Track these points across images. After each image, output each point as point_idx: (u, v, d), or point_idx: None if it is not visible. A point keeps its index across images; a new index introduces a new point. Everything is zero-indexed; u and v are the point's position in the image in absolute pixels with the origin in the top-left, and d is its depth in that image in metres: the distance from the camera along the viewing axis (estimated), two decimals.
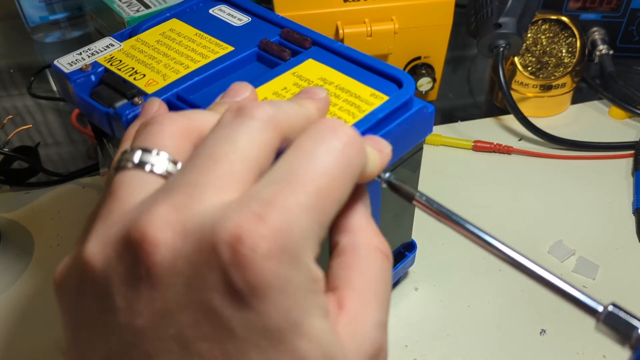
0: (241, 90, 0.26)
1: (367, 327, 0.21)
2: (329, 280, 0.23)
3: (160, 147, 0.22)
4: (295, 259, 0.19)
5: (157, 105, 0.28)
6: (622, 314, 0.22)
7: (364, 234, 0.24)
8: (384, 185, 0.28)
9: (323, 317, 0.20)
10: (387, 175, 0.28)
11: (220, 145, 0.21)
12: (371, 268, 0.23)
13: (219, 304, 0.18)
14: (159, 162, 0.21)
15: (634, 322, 0.21)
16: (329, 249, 0.25)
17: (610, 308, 0.22)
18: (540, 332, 0.42)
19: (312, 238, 0.20)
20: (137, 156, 0.21)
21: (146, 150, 0.22)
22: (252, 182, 0.20)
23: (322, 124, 0.22)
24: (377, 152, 0.25)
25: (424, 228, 0.44)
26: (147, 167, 0.21)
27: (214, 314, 0.18)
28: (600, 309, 0.22)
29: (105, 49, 0.37)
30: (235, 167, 0.20)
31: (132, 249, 0.19)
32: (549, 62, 0.59)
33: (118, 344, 0.19)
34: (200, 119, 0.23)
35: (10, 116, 0.54)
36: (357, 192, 0.25)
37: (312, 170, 0.20)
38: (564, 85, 0.59)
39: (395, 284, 0.45)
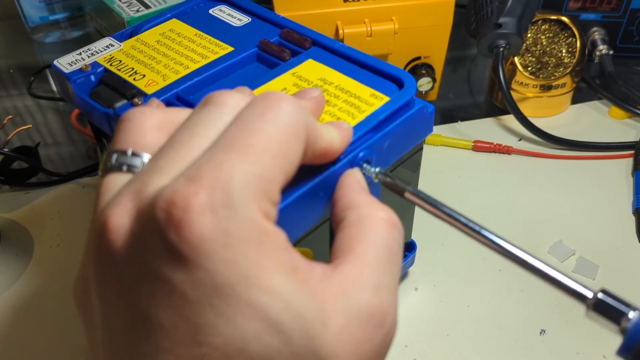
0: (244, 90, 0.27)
1: (362, 287, 0.21)
2: (332, 253, 0.23)
3: (135, 145, 0.22)
4: (235, 212, 0.18)
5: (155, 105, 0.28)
6: (611, 300, 0.22)
7: (368, 207, 0.24)
8: (375, 180, 0.28)
9: (286, 273, 0.19)
10: (378, 169, 0.28)
11: (182, 133, 0.21)
12: (375, 235, 0.23)
13: (167, 271, 0.18)
14: (134, 161, 0.22)
15: (624, 308, 0.22)
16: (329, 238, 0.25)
17: (600, 294, 0.22)
18: (540, 332, 0.42)
19: (254, 192, 0.19)
20: (114, 159, 0.22)
21: (122, 152, 0.22)
22: None
23: (264, 95, 0.22)
24: (334, 127, 0.26)
25: (424, 228, 0.44)
26: (124, 168, 0.22)
27: (165, 282, 0.18)
28: (590, 295, 0.22)
29: (105, 49, 0.37)
30: (194, 152, 0.20)
31: (99, 236, 0.20)
32: (549, 62, 0.59)
33: (102, 327, 0.20)
34: (174, 112, 0.24)
35: (10, 116, 0.54)
36: (350, 175, 0.27)
37: (248, 132, 0.20)
38: (564, 85, 0.59)
39: None
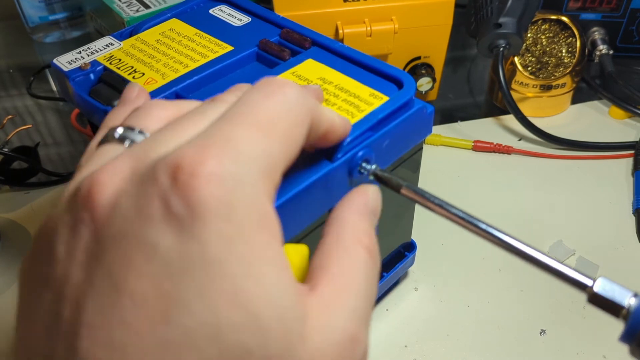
0: (131, 90, 0.27)
1: (338, 311, 0.20)
2: (309, 267, 0.22)
3: (144, 127, 0.22)
4: (242, 186, 0.17)
5: (137, 90, 0.27)
6: (612, 287, 0.22)
7: (351, 228, 0.23)
8: (371, 177, 0.28)
9: (278, 267, 0.18)
10: (374, 167, 0.28)
11: (190, 116, 0.21)
12: (352, 259, 0.22)
13: (155, 235, 0.17)
14: (139, 138, 0.21)
15: (625, 294, 0.22)
16: None
17: (601, 280, 0.22)
18: (540, 332, 0.42)
19: (262, 168, 0.19)
20: (119, 131, 0.21)
21: (129, 128, 0.21)
22: None
23: (268, 80, 0.22)
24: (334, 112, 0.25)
25: (424, 228, 0.44)
26: (127, 143, 0.21)
27: (149, 246, 0.17)
28: (590, 283, 0.22)
29: (104, 48, 0.37)
30: (197, 127, 0.20)
31: (81, 194, 0.18)
32: (549, 62, 0.59)
33: (52, 300, 0.18)
34: (188, 107, 0.23)
35: (10, 116, 0.54)
36: (357, 191, 0.25)
37: (255, 109, 0.20)
38: (564, 85, 0.59)
39: (395, 284, 0.45)
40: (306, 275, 0.23)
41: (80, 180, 0.19)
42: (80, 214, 0.18)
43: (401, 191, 0.27)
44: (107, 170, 0.18)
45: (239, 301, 0.17)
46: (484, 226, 0.25)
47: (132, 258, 0.17)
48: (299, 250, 0.27)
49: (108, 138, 0.22)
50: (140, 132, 0.21)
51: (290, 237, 0.27)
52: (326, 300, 0.20)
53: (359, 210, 0.24)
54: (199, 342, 0.16)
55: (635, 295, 0.22)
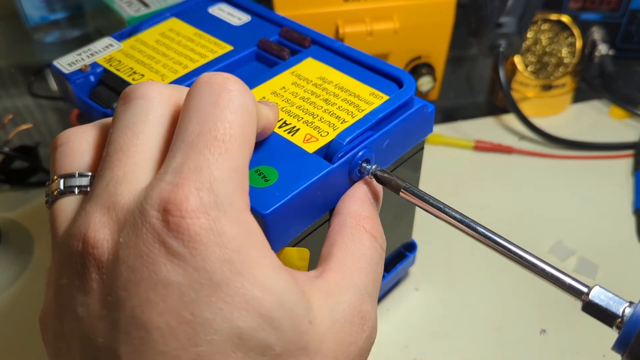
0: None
1: (344, 290, 0.22)
2: (319, 260, 0.24)
3: (78, 167, 0.23)
4: (224, 212, 0.19)
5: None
6: (606, 295, 0.22)
7: (353, 216, 0.25)
8: (371, 177, 0.28)
9: (275, 268, 0.20)
10: (374, 167, 0.28)
11: (122, 135, 0.22)
12: (356, 244, 0.24)
13: (165, 274, 0.18)
14: (83, 182, 0.22)
15: (619, 303, 0.22)
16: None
17: (596, 289, 0.22)
18: (540, 332, 0.42)
19: (236, 187, 0.20)
20: (61, 185, 0.22)
21: (68, 176, 0.23)
22: (163, 155, 0.21)
23: (208, 79, 0.22)
24: (264, 105, 0.26)
25: (424, 228, 0.44)
26: (75, 191, 0.22)
27: (162, 285, 0.18)
28: (585, 290, 0.22)
29: (104, 49, 0.37)
30: (145, 153, 0.21)
31: (79, 257, 0.20)
32: (549, 62, 0.59)
33: (85, 354, 0.20)
34: (103, 125, 0.24)
35: (10, 116, 0.54)
36: (358, 184, 0.27)
37: (210, 125, 0.20)
38: (564, 85, 0.59)
39: (395, 284, 0.45)
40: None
41: (68, 240, 0.21)
42: (88, 275, 0.20)
43: (400, 193, 0.27)
44: (89, 227, 0.20)
45: (251, 308, 0.19)
46: (482, 230, 0.25)
47: (150, 299, 0.18)
48: (300, 253, 0.28)
49: (55, 192, 0.23)
50: (80, 174, 0.23)
51: (291, 238, 0.27)
52: (333, 283, 0.22)
53: (360, 198, 0.27)
54: (227, 350, 0.18)
55: (630, 304, 0.22)
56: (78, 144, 0.23)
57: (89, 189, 0.22)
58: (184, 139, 0.20)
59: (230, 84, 0.21)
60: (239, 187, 0.20)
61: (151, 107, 0.22)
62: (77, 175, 0.22)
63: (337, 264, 0.23)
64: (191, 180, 0.19)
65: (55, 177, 0.23)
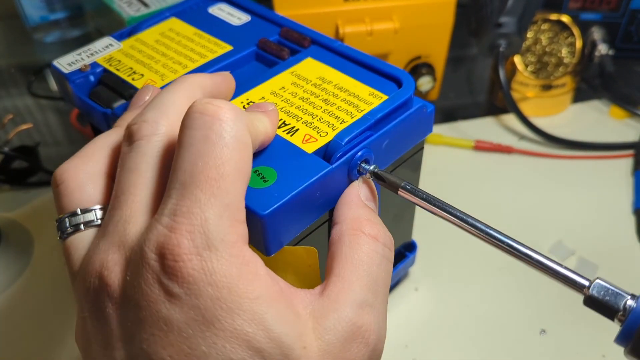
0: (142, 95, 0.29)
1: (342, 306, 0.22)
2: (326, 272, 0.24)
3: (80, 203, 0.24)
4: (215, 251, 0.20)
5: (150, 93, 0.30)
6: (608, 288, 0.22)
7: (349, 222, 0.25)
8: (369, 176, 0.28)
9: (266, 300, 0.21)
10: (372, 166, 0.28)
11: (127, 177, 0.23)
12: (354, 252, 0.24)
13: (165, 313, 0.20)
14: (87, 217, 0.24)
15: (621, 296, 0.22)
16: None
17: (597, 283, 0.22)
18: (540, 332, 0.42)
19: (228, 223, 0.21)
20: (67, 224, 0.24)
21: (71, 215, 0.24)
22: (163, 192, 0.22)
23: (200, 109, 0.22)
24: (262, 114, 0.26)
25: (424, 228, 0.44)
26: (82, 227, 0.24)
27: (163, 322, 0.20)
28: (587, 284, 0.22)
29: (104, 49, 0.37)
30: (150, 188, 0.23)
31: (95, 293, 0.22)
32: (549, 62, 0.59)
33: None
34: (101, 147, 0.26)
35: (10, 116, 0.54)
36: (348, 189, 0.27)
37: (202, 163, 0.21)
38: (564, 85, 0.59)
39: (395, 284, 0.45)
40: (318, 273, 0.26)
41: (86, 281, 0.22)
42: (104, 309, 0.21)
43: (399, 192, 0.27)
44: (105, 264, 0.22)
45: (241, 342, 0.20)
46: (481, 227, 0.25)
47: (155, 334, 0.20)
48: (308, 253, 0.28)
49: (65, 231, 0.24)
50: (82, 210, 0.24)
51: (291, 238, 0.27)
52: (332, 299, 0.23)
53: (354, 203, 0.27)
54: None
55: (632, 297, 0.22)
56: (73, 182, 0.24)
57: (94, 221, 0.24)
58: (178, 178, 0.21)
59: (222, 114, 0.21)
60: (231, 221, 0.21)
61: (153, 148, 0.23)
62: (79, 213, 0.24)
63: (336, 277, 0.23)
64: (183, 224, 0.20)
65: (61, 215, 0.24)
